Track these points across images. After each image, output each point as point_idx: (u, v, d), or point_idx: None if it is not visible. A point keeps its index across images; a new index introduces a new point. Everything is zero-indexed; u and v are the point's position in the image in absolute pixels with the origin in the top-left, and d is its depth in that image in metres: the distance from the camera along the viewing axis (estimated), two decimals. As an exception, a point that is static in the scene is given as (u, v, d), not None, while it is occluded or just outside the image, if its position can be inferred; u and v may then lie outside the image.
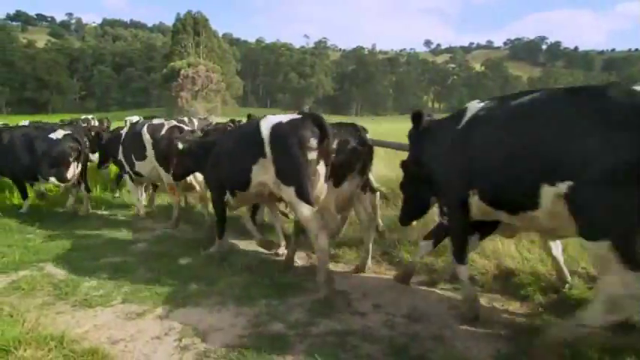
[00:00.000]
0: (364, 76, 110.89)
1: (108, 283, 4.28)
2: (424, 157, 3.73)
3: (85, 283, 4.28)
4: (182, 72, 60.72)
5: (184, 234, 6.09)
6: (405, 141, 4.34)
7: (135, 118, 12.98)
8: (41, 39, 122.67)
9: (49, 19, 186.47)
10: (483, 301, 3.85)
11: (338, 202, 4.34)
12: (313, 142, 3.83)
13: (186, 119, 13.41)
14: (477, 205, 3.20)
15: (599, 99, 2.54)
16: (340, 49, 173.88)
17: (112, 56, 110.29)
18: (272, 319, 3.49)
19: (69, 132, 7.06)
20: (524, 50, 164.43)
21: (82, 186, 7.31)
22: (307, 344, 3.11)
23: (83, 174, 7.27)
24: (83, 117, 17.12)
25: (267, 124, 4.07)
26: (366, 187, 4.54)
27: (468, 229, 3.46)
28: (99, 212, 7.44)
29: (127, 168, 6.87)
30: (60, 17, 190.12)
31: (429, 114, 4.15)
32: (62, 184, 7.01)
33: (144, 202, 7.54)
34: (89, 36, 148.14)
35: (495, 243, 4.59)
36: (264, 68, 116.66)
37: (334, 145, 4.01)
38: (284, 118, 4.13)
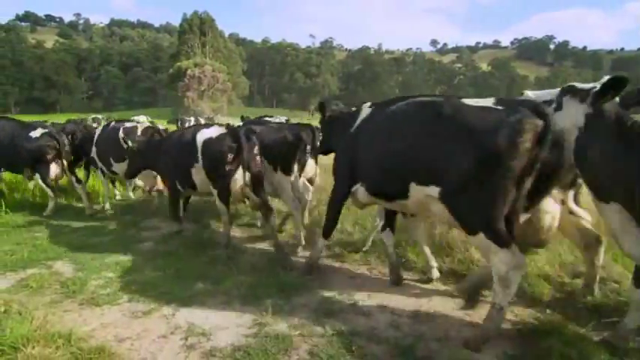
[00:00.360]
0: (370, 75, 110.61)
1: (114, 281, 4.31)
2: (330, 143, 4.54)
3: (92, 281, 4.31)
4: (188, 72, 60.90)
5: (190, 233, 6.11)
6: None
7: (141, 118, 13.05)
8: (50, 39, 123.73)
9: (58, 19, 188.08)
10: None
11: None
12: (230, 155, 4.85)
13: (192, 119, 13.49)
14: (363, 194, 3.87)
15: (439, 113, 3.14)
16: (346, 49, 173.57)
17: (119, 56, 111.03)
18: (277, 318, 3.49)
19: (47, 130, 7.23)
20: (532, 50, 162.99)
21: (73, 179, 7.48)
22: (312, 344, 3.11)
23: (71, 169, 7.51)
24: (92, 116, 17.25)
25: (201, 137, 5.05)
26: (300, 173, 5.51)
27: (340, 212, 4.30)
28: (106, 210, 7.49)
29: (100, 165, 7.29)
30: (68, 18, 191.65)
31: (337, 103, 4.84)
32: (45, 184, 7.06)
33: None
34: (97, 36, 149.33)
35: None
36: (270, 68, 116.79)
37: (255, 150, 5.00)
38: (214, 132, 5.07)
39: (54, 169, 7.14)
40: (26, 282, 4.23)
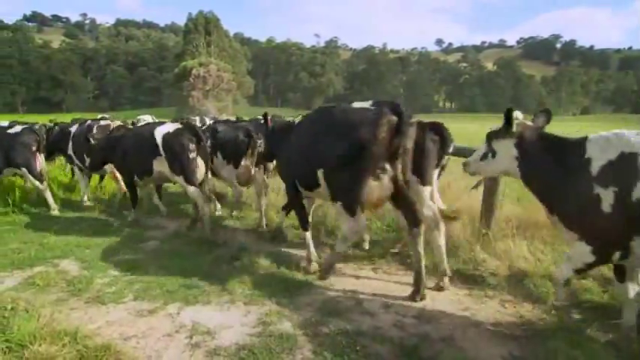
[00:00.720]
0: (375, 75, 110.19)
1: (120, 280, 4.34)
2: (274, 150, 5.18)
3: (97, 279, 4.34)
4: (194, 71, 61.00)
5: (195, 232, 6.12)
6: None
7: (148, 117, 13.10)
8: (56, 39, 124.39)
9: (64, 19, 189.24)
10: (495, 302, 3.82)
11: (238, 175, 6.05)
12: (192, 146, 5.63)
13: (197, 118, 13.54)
14: (301, 189, 4.54)
15: (330, 115, 4.05)
16: (351, 49, 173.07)
17: (125, 56, 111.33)
18: (281, 317, 3.50)
19: (26, 126, 7.58)
20: (538, 49, 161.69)
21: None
22: (316, 344, 3.12)
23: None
24: (100, 116, 17.32)
25: (159, 132, 5.74)
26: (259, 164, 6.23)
27: (302, 205, 4.78)
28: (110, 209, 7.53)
29: (77, 161, 7.70)
30: (74, 18, 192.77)
31: (279, 117, 6.18)
32: (33, 177, 7.17)
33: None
34: (103, 36, 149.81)
35: (507, 244, 4.54)
36: (275, 68, 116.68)
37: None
38: (171, 127, 5.80)
39: (38, 161, 7.34)
40: (33, 280, 4.27)
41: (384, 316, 3.58)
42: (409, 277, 4.41)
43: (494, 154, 3.44)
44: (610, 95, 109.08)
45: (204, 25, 74.38)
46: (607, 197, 2.72)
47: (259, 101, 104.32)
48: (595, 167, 2.79)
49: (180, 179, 5.72)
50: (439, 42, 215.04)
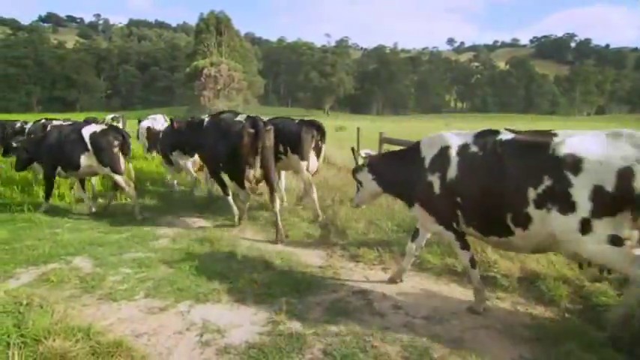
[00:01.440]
0: (386, 75, 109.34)
1: (131, 277, 4.39)
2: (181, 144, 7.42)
3: (109, 277, 4.40)
4: (205, 71, 61.29)
5: (205, 231, 6.17)
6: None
7: (159, 117, 13.22)
8: (70, 39, 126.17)
9: (79, 20, 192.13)
10: (506, 304, 3.78)
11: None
12: (116, 143, 6.79)
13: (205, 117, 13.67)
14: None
15: (218, 124, 6.08)
16: (362, 48, 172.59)
17: (137, 56, 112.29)
18: (291, 317, 3.50)
19: None
20: (552, 48, 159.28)
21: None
22: (326, 343, 3.12)
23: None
24: (112, 115, 17.53)
25: (86, 131, 6.75)
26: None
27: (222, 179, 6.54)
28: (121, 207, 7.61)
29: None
30: (88, 18, 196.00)
31: (190, 117, 8.35)
32: None
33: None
34: (116, 36, 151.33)
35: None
36: (286, 67, 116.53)
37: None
38: (98, 128, 6.89)
39: None
40: (47, 276, 4.34)
41: (394, 316, 3.57)
42: (420, 278, 4.41)
43: (361, 184, 4.45)
44: (626, 95, 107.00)
45: (215, 25, 74.65)
46: (435, 181, 3.49)
47: (270, 101, 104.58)
48: (427, 160, 3.59)
49: (107, 170, 6.77)
50: (450, 41, 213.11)
